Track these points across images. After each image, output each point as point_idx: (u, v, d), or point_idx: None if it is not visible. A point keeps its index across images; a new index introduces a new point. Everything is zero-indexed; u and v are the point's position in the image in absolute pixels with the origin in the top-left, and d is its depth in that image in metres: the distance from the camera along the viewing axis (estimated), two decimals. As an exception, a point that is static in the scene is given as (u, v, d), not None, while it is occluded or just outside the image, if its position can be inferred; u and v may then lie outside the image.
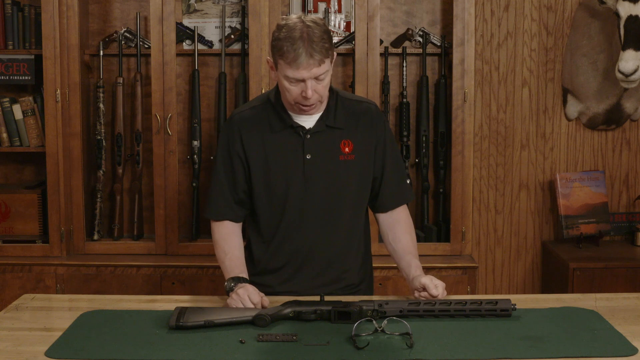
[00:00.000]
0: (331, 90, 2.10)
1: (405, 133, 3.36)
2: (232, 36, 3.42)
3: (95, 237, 3.37)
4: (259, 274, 2.15)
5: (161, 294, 3.14)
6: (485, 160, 3.58)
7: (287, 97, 2.00)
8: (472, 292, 3.15)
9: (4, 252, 3.25)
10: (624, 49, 3.15)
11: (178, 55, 3.30)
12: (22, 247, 3.26)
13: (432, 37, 3.40)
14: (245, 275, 2.04)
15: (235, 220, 2.14)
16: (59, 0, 3.14)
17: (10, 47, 3.27)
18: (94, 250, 3.30)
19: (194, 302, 2.02)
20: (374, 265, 2.29)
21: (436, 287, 1.94)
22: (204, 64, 3.45)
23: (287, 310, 1.85)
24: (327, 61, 1.94)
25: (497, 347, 1.69)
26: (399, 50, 3.37)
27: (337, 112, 2.08)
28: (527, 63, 3.54)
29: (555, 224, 3.61)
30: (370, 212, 2.23)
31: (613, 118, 3.53)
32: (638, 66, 3.13)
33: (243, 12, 3.35)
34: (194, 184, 3.36)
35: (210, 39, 3.43)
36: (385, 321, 1.79)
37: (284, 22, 1.96)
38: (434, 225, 3.38)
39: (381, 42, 3.31)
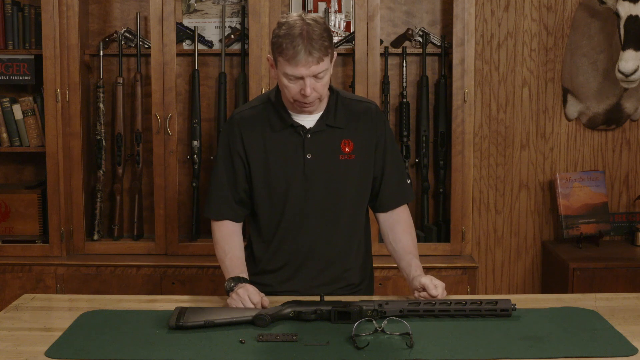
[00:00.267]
0: (331, 89, 2.11)
1: (405, 133, 3.36)
2: (232, 36, 3.42)
3: (95, 237, 3.37)
4: (260, 273, 2.15)
5: (161, 294, 3.14)
6: (485, 160, 3.58)
7: (286, 95, 2.00)
8: (472, 292, 3.15)
9: (4, 252, 3.25)
10: (624, 49, 3.15)
11: (178, 55, 3.30)
12: (22, 247, 3.26)
13: (432, 37, 3.40)
14: (245, 275, 2.04)
15: (236, 220, 2.14)
16: (59, 0, 3.14)
17: (10, 47, 3.27)
18: (94, 250, 3.30)
19: (194, 302, 2.02)
20: (374, 265, 2.29)
21: (436, 287, 1.94)
22: (204, 64, 3.45)
23: (287, 310, 1.85)
24: (327, 59, 1.94)
25: (497, 347, 1.69)
26: (399, 50, 3.37)
27: (337, 111, 2.09)
28: (527, 63, 3.54)
29: (555, 224, 3.61)
30: (370, 211, 2.23)
31: (613, 118, 3.53)
32: (638, 66, 3.13)
33: (243, 12, 3.36)
34: (194, 184, 3.36)
35: (210, 39, 3.43)
36: (385, 321, 1.79)
37: (284, 19, 1.96)
38: (434, 225, 3.38)
39: (381, 42, 3.31)
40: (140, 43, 3.37)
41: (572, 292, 3.15)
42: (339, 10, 3.42)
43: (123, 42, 3.39)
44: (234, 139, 2.09)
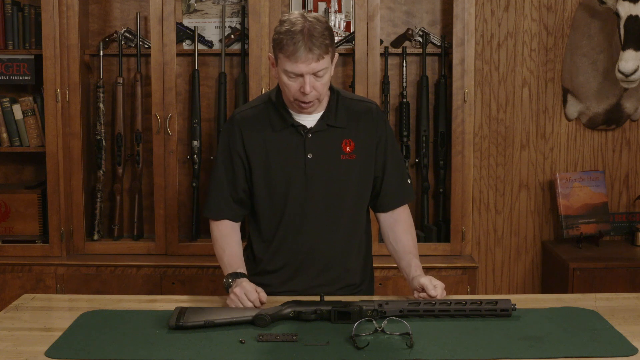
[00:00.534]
0: (332, 89, 2.11)
1: (405, 133, 3.36)
2: (232, 36, 3.42)
3: (95, 237, 3.37)
4: (260, 273, 2.14)
5: (161, 294, 3.14)
6: (485, 160, 3.58)
7: (286, 93, 2.00)
8: (472, 292, 3.15)
9: (4, 252, 3.25)
10: (624, 49, 3.15)
11: (178, 55, 3.30)
12: (22, 247, 3.26)
13: (432, 37, 3.40)
14: (242, 270, 2.03)
15: (235, 220, 2.14)
16: (59, 0, 3.14)
17: (10, 47, 3.27)
18: (94, 250, 3.30)
19: (194, 302, 2.02)
20: (374, 265, 2.29)
21: (435, 287, 1.94)
22: (204, 64, 3.45)
23: (287, 310, 1.85)
24: (327, 57, 1.94)
25: (497, 347, 1.69)
26: (399, 50, 3.37)
27: (338, 111, 2.08)
28: (527, 63, 3.54)
29: (555, 224, 3.61)
30: (371, 211, 2.23)
31: (613, 118, 3.53)
32: (638, 66, 3.13)
33: (243, 12, 3.36)
34: (194, 184, 3.36)
35: (210, 39, 3.43)
36: (385, 321, 1.79)
37: (286, 17, 1.96)
38: (434, 225, 3.38)
39: (381, 42, 3.31)
40: (140, 43, 3.37)
41: (572, 292, 3.15)
42: (339, 10, 3.42)
43: (123, 42, 3.39)
44: (234, 139, 2.09)
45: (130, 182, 3.46)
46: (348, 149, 2.08)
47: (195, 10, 3.45)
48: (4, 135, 3.31)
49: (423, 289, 1.95)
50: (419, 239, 3.28)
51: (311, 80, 1.94)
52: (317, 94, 1.97)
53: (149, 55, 3.24)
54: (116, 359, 1.64)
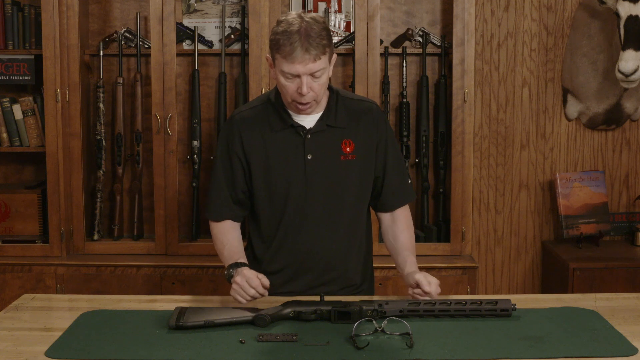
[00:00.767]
0: (331, 89, 2.10)
1: (405, 133, 3.36)
2: (232, 36, 3.42)
3: (95, 237, 3.37)
4: (261, 274, 2.14)
5: (161, 294, 3.14)
6: (485, 160, 3.58)
7: (284, 94, 1.99)
8: (472, 292, 3.15)
9: (4, 252, 3.25)
10: (624, 49, 3.15)
11: (178, 55, 3.30)
12: (22, 247, 3.26)
13: (432, 37, 3.40)
14: (243, 260, 2.03)
15: (235, 220, 2.14)
16: (59, 0, 3.14)
17: (10, 47, 3.27)
18: (94, 250, 3.30)
19: (194, 302, 2.02)
20: (374, 265, 2.29)
21: (430, 283, 1.94)
22: (204, 64, 3.45)
23: (287, 310, 1.84)
24: (324, 58, 1.93)
25: (497, 347, 1.69)
26: (399, 50, 3.37)
27: (338, 111, 2.08)
28: (527, 63, 3.54)
29: (555, 224, 3.61)
30: (372, 210, 2.23)
31: (613, 118, 3.53)
32: (638, 66, 3.13)
33: (243, 12, 3.36)
34: (194, 184, 3.36)
35: (210, 39, 3.43)
36: (385, 321, 1.79)
37: (283, 17, 1.95)
38: (434, 225, 3.38)
39: (381, 42, 3.31)
40: (140, 43, 3.37)
41: (572, 292, 3.15)
42: (339, 10, 3.42)
43: (123, 42, 3.39)
44: (233, 140, 2.08)
45: (130, 182, 3.46)
46: (348, 149, 2.07)
47: (195, 10, 3.45)
48: (4, 135, 3.31)
49: (417, 285, 1.95)
50: (419, 239, 3.30)
51: (308, 81, 1.93)
52: (314, 95, 1.96)
53: (149, 55, 3.24)
54: (116, 359, 1.64)
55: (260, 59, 3.15)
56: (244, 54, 3.33)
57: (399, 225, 2.16)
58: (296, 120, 2.05)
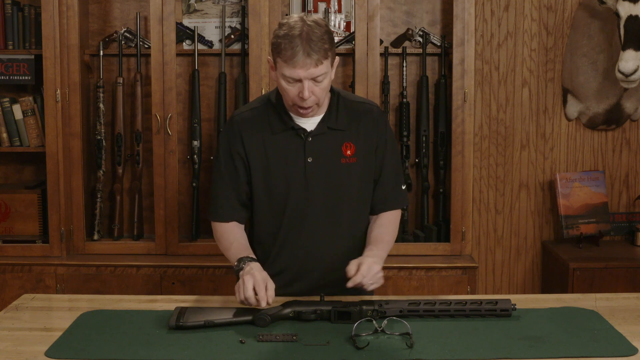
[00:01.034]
0: (333, 90, 2.10)
1: (405, 133, 3.36)
2: (232, 36, 3.42)
3: (95, 237, 3.37)
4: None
5: (161, 294, 3.14)
6: (485, 160, 3.58)
7: (285, 97, 1.98)
8: (472, 292, 3.15)
9: (4, 252, 3.25)
10: (624, 49, 3.15)
11: (178, 55, 3.30)
12: (22, 247, 3.26)
13: (432, 37, 3.40)
14: (253, 256, 2.00)
15: (240, 222, 2.12)
16: (59, 0, 3.14)
17: (10, 47, 3.27)
18: (94, 250, 3.30)
19: (194, 302, 2.02)
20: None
21: (360, 271, 1.88)
22: (204, 64, 3.45)
23: (287, 310, 1.84)
24: (326, 62, 1.92)
25: (497, 347, 1.69)
26: (399, 50, 3.37)
27: (339, 113, 2.07)
28: (527, 63, 3.54)
29: (555, 224, 3.61)
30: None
31: (613, 118, 3.53)
32: (638, 66, 3.13)
33: (243, 12, 3.35)
34: (194, 184, 3.35)
35: (210, 39, 3.43)
36: (385, 321, 1.79)
37: (285, 20, 1.94)
38: (434, 225, 3.38)
39: (381, 42, 3.31)
40: (140, 43, 3.37)
41: (572, 292, 3.15)
42: (339, 10, 3.42)
43: (123, 42, 3.39)
44: (235, 141, 2.07)
45: (130, 182, 3.46)
46: (349, 152, 2.06)
47: (195, 10, 3.45)
48: (4, 135, 3.31)
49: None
50: (419, 239, 3.30)
51: (310, 85, 1.91)
52: (316, 99, 1.95)
53: (149, 55, 3.24)
54: (116, 359, 1.64)
55: (260, 59, 3.15)
56: (244, 54, 3.33)
57: (377, 221, 2.13)
58: (297, 123, 2.04)
